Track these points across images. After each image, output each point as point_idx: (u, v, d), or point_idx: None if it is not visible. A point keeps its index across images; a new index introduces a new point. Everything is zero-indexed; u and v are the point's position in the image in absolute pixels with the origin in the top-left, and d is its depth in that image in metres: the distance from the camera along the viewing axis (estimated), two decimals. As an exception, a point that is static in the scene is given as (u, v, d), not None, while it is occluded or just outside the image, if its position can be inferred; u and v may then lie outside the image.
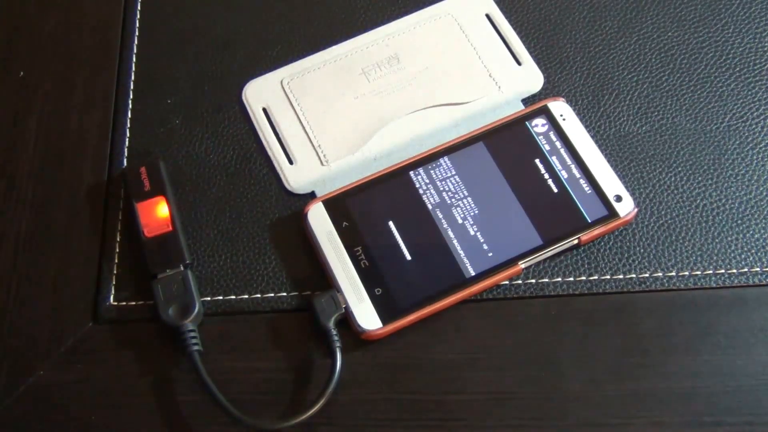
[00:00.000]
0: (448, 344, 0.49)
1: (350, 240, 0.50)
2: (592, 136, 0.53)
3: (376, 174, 0.52)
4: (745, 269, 0.50)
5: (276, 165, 0.55)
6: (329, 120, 0.56)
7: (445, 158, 0.53)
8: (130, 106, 0.58)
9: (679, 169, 0.53)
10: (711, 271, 0.50)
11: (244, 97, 0.57)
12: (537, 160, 0.52)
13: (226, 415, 0.45)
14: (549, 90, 0.56)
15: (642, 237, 0.51)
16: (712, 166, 0.53)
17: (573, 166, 0.52)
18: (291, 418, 0.45)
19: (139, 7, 0.62)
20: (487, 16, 0.59)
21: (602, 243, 0.51)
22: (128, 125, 0.57)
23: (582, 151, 0.52)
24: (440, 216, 0.51)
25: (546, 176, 0.52)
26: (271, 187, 0.54)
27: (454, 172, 0.52)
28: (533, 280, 0.50)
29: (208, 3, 0.61)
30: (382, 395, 0.48)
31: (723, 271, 0.50)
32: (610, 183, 0.51)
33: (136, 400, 0.48)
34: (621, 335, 0.48)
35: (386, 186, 0.52)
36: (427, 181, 0.52)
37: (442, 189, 0.52)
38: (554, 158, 0.52)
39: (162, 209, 0.52)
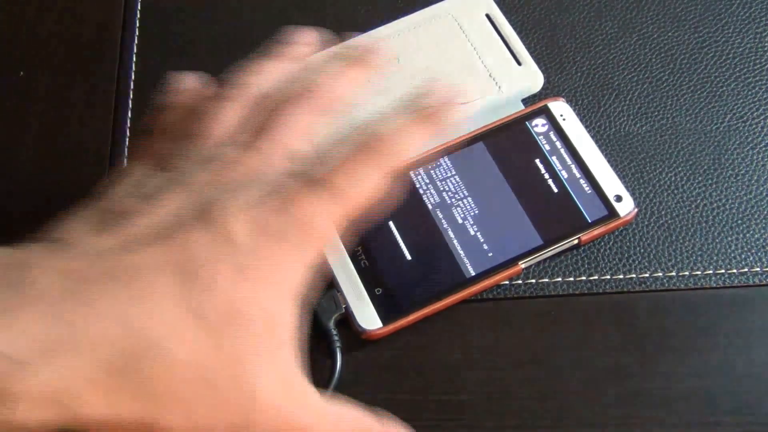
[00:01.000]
0: (448, 344, 0.49)
1: (350, 240, 0.50)
2: (593, 136, 0.53)
3: (376, 174, 0.52)
4: (746, 269, 0.50)
5: (276, 165, 0.55)
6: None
7: (445, 158, 0.53)
8: (131, 105, 0.58)
9: (680, 169, 0.53)
10: (711, 271, 0.50)
11: (244, 97, 0.57)
12: (537, 160, 0.52)
13: (226, 415, 0.45)
14: (549, 90, 0.56)
15: (642, 237, 0.51)
16: (713, 166, 0.53)
17: (573, 166, 0.52)
18: (291, 418, 0.45)
19: (139, 7, 0.62)
20: (487, 16, 0.59)
21: (602, 243, 0.51)
22: (129, 125, 0.57)
23: (582, 151, 0.52)
24: (440, 216, 0.51)
25: (546, 176, 0.52)
26: (271, 187, 0.54)
27: (454, 172, 0.52)
28: (533, 280, 0.50)
29: (208, 3, 0.61)
30: (382, 395, 0.47)
31: (723, 271, 0.50)
32: (610, 183, 0.51)
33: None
34: (621, 335, 0.48)
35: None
36: (427, 181, 0.52)
37: (442, 189, 0.52)
38: (554, 158, 0.52)
39: (162, 209, 0.52)
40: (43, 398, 0.30)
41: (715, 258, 0.50)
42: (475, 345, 0.49)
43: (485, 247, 0.50)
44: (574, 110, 0.54)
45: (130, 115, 0.57)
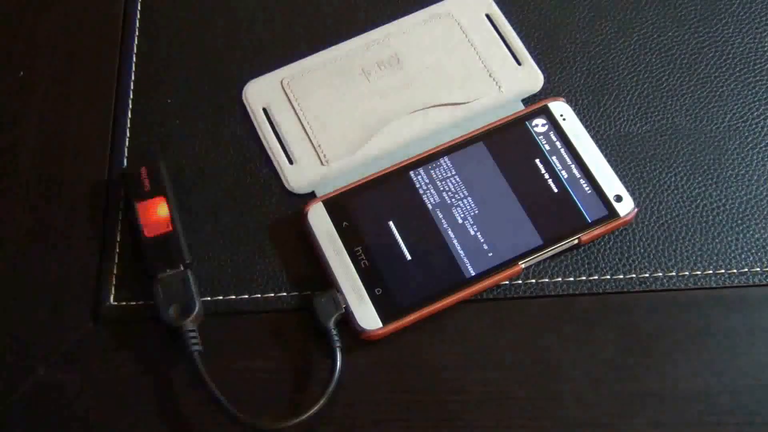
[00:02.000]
0: (448, 344, 0.49)
1: (350, 240, 0.50)
2: (592, 136, 0.53)
3: (376, 174, 0.52)
4: (746, 269, 0.50)
5: (276, 165, 0.55)
6: (329, 120, 0.56)
7: (445, 158, 0.53)
8: (130, 106, 0.58)
9: (680, 169, 0.53)
10: (711, 271, 0.50)
11: (244, 98, 0.57)
12: (537, 160, 0.52)
13: (226, 415, 0.45)
14: (549, 90, 0.56)
15: (642, 237, 0.51)
16: (713, 166, 0.53)
17: (573, 166, 0.52)
18: (291, 418, 0.45)
19: (139, 7, 0.62)
20: (488, 16, 0.59)
21: (602, 243, 0.51)
22: (128, 125, 0.57)
23: (582, 151, 0.52)
24: (440, 216, 0.51)
25: (546, 176, 0.52)
26: (271, 187, 0.54)
27: (454, 172, 0.52)
28: (533, 280, 0.50)
29: (208, 3, 0.61)
30: (382, 395, 0.48)
31: (723, 271, 0.50)
32: (610, 183, 0.51)
33: (136, 400, 0.48)
34: (621, 335, 0.48)
35: (386, 186, 0.52)
36: (428, 181, 0.52)
37: (442, 189, 0.52)
38: (554, 158, 0.52)
39: (162, 209, 0.52)
40: None
41: (715, 258, 0.50)
42: (476, 345, 0.49)
43: (485, 247, 0.50)
44: (574, 110, 0.54)
45: (129, 115, 0.57)
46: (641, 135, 0.54)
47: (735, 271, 0.50)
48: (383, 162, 0.54)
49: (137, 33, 0.60)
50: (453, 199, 0.51)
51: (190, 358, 0.47)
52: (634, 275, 0.50)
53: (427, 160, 0.53)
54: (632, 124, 0.55)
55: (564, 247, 0.50)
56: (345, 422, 0.47)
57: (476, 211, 0.51)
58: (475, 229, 0.50)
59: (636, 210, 0.51)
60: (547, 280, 0.50)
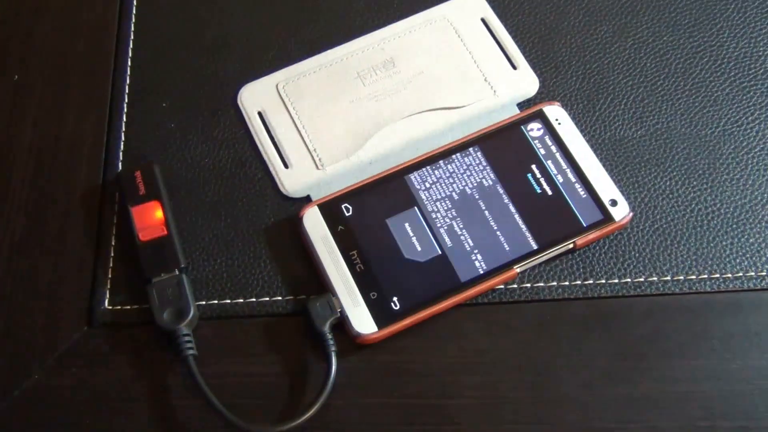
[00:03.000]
0: (443, 348, 0.49)
1: (345, 244, 0.50)
2: (588, 141, 0.53)
3: (371, 178, 0.52)
4: (740, 274, 0.50)
5: (271, 169, 0.55)
6: (325, 124, 0.56)
7: (441, 162, 0.53)
8: (125, 110, 0.57)
9: (674, 173, 0.53)
10: (706, 276, 0.50)
11: (239, 101, 0.57)
12: (532, 164, 0.52)
13: (221, 419, 0.45)
14: (544, 94, 0.56)
15: (637, 241, 0.51)
16: (707, 170, 0.53)
17: (568, 171, 0.52)
18: (286, 423, 0.45)
19: (134, 11, 0.61)
20: (483, 20, 0.59)
21: (597, 247, 0.51)
22: (123, 129, 0.57)
23: (577, 155, 0.52)
24: (435, 220, 0.51)
25: (541, 180, 0.52)
26: (267, 191, 0.54)
27: (449, 176, 0.52)
28: (528, 285, 0.50)
29: (203, 7, 0.61)
30: (378, 399, 0.47)
31: (718, 275, 0.50)
32: (606, 187, 0.51)
33: (131, 404, 0.48)
34: (616, 339, 0.48)
35: (382, 190, 0.52)
36: (423, 185, 0.52)
37: (437, 193, 0.52)
38: (549, 162, 0.52)
39: (157, 213, 0.52)
40: None
41: (709, 262, 0.50)
42: (471, 349, 0.49)
43: (480, 251, 0.50)
44: (570, 114, 0.54)
45: (125, 119, 0.57)
46: (636, 139, 0.55)
47: (729, 275, 0.50)
48: (378, 166, 0.54)
49: (132, 37, 0.60)
50: (448, 203, 0.51)
51: (184, 362, 0.47)
52: (629, 279, 0.50)
53: (423, 164, 0.53)
54: (627, 128, 0.55)
55: (559, 251, 0.50)
56: (340, 426, 0.47)
57: (471, 215, 0.51)
58: (470, 233, 0.50)
59: (631, 214, 0.51)
60: (542, 284, 0.50)
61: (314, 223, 0.51)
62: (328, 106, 0.56)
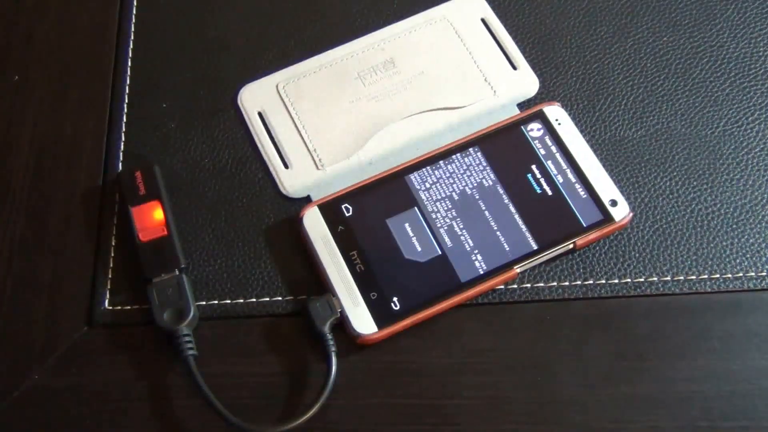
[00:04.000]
0: (443, 349, 0.49)
1: (346, 244, 0.50)
2: (588, 141, 0.53)
3: (371, 178, 0.52)
4: (740, 274, 0.50)
5: (271, 169, 0.55)
6: (325, 124, 0.56)
7: (441, 162, 0.53)
8: (125, 110, 0.57)
9: (675, 173, 0.53)
10: (706, 276, 0.50)
11: (239, 101, 0.57)
12: (532, 165, 0.52)
13: (221, 419, 0.45)
14: (544, 94, 0.56)
15: (637, 241, 0.51)
16: (707, 170, 0.53)
17: (568, 171, 0.52)
18: (286, 423, 0.45)
19: (134, 11, 0.62)
20: (483, 20, 0.59)
21: (597, 247, 0.51)
22: (123, 129, 0.57)
23: (577, 155, 0.52)
24: (435, 220, 0.51)
25: (541, 180, 0.52)
26: (267, 191, 0.54)
27: (449, 177, 0.52)
28: (528, 285, 0.50)
29: (203, 7, 0.61)
30: (378, 400, 0.47)
31: (718, 275, 0.50)
32: (606, 187, 0.51)
33: (131, 404, 0.48)
34: (616, 340, 0.48)
35: (382, 190, 0.52)
36: (423, 185, 0.52)
37: (437, 193, 0.52)
38: (549, 162, 0.52)
39: (157, 213, 0.52)
40: None
41: (710, 262, 0.50)
42: (471, 349, 0.49)
43: (480, 251, 0.50)
44: (570, 115, 0.54)
45: (125, 120, 0.57)
46: (636, 139, 0.55)
47: (729, 275, 0.50)
48: (378, 166, 0.54)
49: (132, 37, 0.60)
50: (448, 204, 0.51)
51: (184, 363, 0.47)
52: (629, 280, 0.50)
53: (423, 164, 0.53)
54: (627, 128, 0.55)
55: (559, 251, 0.50)
56: (340, 427, 0.47)
57: (471, 216, 0.51)
58: (471, 233, 0.50)
59: (631, 214, 0.51)
60: (542, 284, 0.50)
61: (314, 224, 0.51)
62: (329, 107, 0.56)
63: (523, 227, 0.50)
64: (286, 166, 0.55)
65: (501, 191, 0.52)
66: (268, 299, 0.51)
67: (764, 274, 0.50)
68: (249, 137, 0.56)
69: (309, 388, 0.48)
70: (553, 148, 0.53)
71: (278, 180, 0.54)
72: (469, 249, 0.50)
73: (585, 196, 0.51)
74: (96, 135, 0.57)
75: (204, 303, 0.51)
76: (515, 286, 0.50)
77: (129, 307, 0.51)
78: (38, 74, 0.59)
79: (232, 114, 0.57)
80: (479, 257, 0.49)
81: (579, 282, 0.50)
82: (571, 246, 0.50)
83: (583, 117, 0.56)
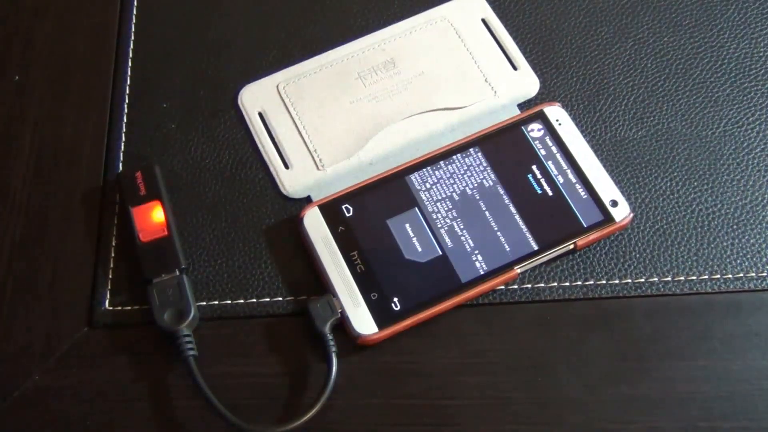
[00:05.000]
0: (443, 349, 0.49)
1: (346, 244, 0.50)
2: (588, 141, 0.53)
3: (372, 178, 0.52)
4: (741, 274, 0.50)
5: (272, 169, 0.55)
6: (325, 124, 0.56)
7: (441, 163, 0.53)
8: (126, 110, 0.57)
9: (675, 174, 0.53)
10: (706, 276, 0.50)
11: (239, 102, 0.57)
12: (533, 165, 0.52)
13: (221, 420, 0.45)
14: (545, 95, 0.56)
15: (638, 242, 0.51)
16: (708, 171, 0.53)
17: (569, 171, 0.52)
18: (286, 423, 0.45)
19: (134, 12, 0.61)
20: (483, 20, 0.59)
21: (598, 248, 0.51)
22: (124, 130, 0.57)
23: (578, 155, 0.52)
24: (436, 220, 0.51)
25: (542, 181, 0.52)
26: (267, 191, 0.54)
27: (449, 177, 0.52)
28: (529, 285, 0.50)
29: (203, 8, 0.61)
30: (378, 400, 0.47)
31: (718, 276, 0.50)
32: (606, 188, 0.51)
33: (132, 405, 0.48)
34: (616, 340, 0.48)
35: (382, 190, 0.52)
36: (423, 185, 0.52)
37: (437, 193, 0.52)
38: (550, 163, 0.52)
39: (157, 214, 0.52)
40: None
41: (710, 263, 0.50)
42: (471, 350, 0.49)
43: (481, 251, 0.50)
44: (570, 115, 0.54)
45: (125, 120, 0.57)
46: (637, 140, 0.55)
47: (730, 276, 0.50)
48: (379, 167, 0.54)
49: (133, 38, 0.60)
50: (449, 204, 0.51)
51: (185, 363, 0.47)
52: (629, 280, 0.50)
53: (423, 164, 0.53)
54: (628, 129, 0.55)
55: (560, 252, 0.50)
56: (340, 427, 0.47)
57: (472, 216, 0.51)
58: (471, 233, 0.50)
59: (632, 215, 0.51)
60: (542, 285, 0.50)
61: (315, 224, 0.51)
62: (329, 107, 0.56)
63: (524, 227, 0.50)
64: (286, 166, 0.55)
65: (501, 191, 0.51)
66: (268, 300, 0.51)
67: (765, 274, 0.50)
68: (249, 137, 0.56)
69: (309, 389, 0.48)
70: (554, 149, 0.53)
71: (279, 180, 0.54)
72: (469, 249, 0.50)
73: (585, 196, 0.51)
74: (96, 135, 0.57)
75: (204, 303, 0.51)
76: (516, 286, 0.50)
77: (129, 308, 0.51)
78: (38, 74, 0.59)
79: (232, 114, 0.57)
80: (480, 257, 0.49)
81: (579, 282, 0.50)
82: (572, 246, 0.50)
83: (584, 117, 0.56)
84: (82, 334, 0.50)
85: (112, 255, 0.52)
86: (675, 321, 0.49)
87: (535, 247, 0.50)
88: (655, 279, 0.50)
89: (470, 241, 0.50)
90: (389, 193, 0.52)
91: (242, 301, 0.51)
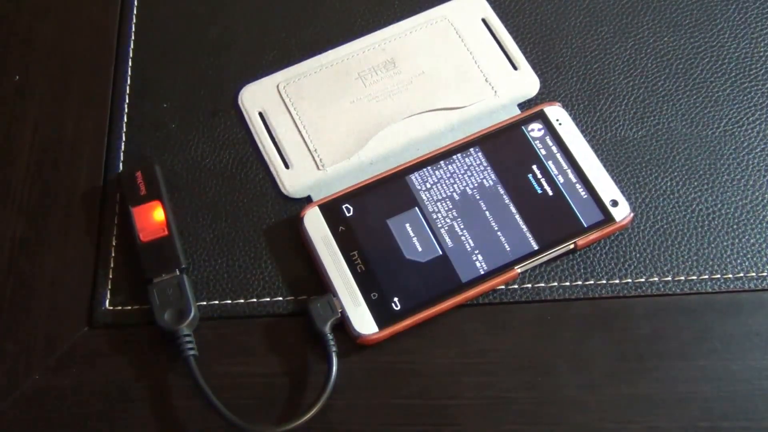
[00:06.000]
0: (444, 349, 0.49)
1: (346, 244, 0.50)
2: (588, 141, 0.53)
3: (372, 178, 0.52)
4: (741, 274, 0.50)
5: (272, 169, 0.55)
6: (325, 124, 0.56)
7: (441, 163, 0.53)
8: (126, 110, 0.57)
9: (675, 173, 0.53)
10: (706, 276, 0.50)
11: (240, 102, 0.57)
12: (533, 165, 0.52)
13: (221, 420, 0.45)
14: (545, 94, 0.56)
15: (638, 242, 0.51)
16: (708, 170, 0.53)
17: (569, 171, 0.52)
18: (287, 423, 0.45)
19: (135, 12, 0.61)
20: (483, 20, 0.59)
21: (598, 248, 0.51)
22: (124, 129, 0.57)
23: (578, 155, 0.52)
24: (436, 220, 0.51)
25: (542, 181, 0.52)
26: (267, 191, 0.54)
27: (450, 177, 0.52)
28: (529, 285, 0.50)
29: (203, 8, 0.61)
30: (378, 400, 0.47)
31: (718, 275, 0.50)
32: (606, 188, 0.51)
33: (132, 405, 0.48)
34: (617, 340, 0.48)
35: (382, 190, 0.52)
36: (424, 185, 0.52)
37: (438, 193, 0.52)
38: (550, 163, 0.52)
39: (158, 213, 0.52)
40: None
41: (710, 263, 0.50)
42: (471, 349, 0.49)
43: (481, 251, 0.50)
44: (570, 115, 0.54)
45: (125, 120, 0.57)
46: (637, 140, 0.55)
47: (730, 275, 0.50)
48: (379, 166, 0.54)
49: (133, 37, 0.60)
50: (449, 204, 0.51)
51: (185, 363, 0.47)
52: (629, 280, 0.50)
53: (423, 164, 0.53)
54: (628, 128, 0.55)
55: (560, 251, 0.50)
56: (340, 427, 0.47)
57: (472, 216, 0.51)
58: (471, 233, 0.50)
59: (632, 215, 0.51)
60: (543, 284, 0.50)
61: (315, 224, 0.51)
62: (329, 107, 0.56)
63: (524, 227, 0.50)
64: (286, 166, 0.55)
65: (502, 191, 0.51)
66: (268, 299, 0.51)
67: (765, 274, 0.50)
68: (250, 137, 0.56)
69: (309, 389, 0.48)
70: (554, 149, 0.53)
71: (279, 180, 0.54)
72: (469, 249, 0.50)
73: (586, 196, 0.51)
74: (96, 135, 0.57)
75: (204, 303, 0.51)
76: (516, 286, 0.50)
77: (129, 308, 0.51)
78: (39, 74, 0.59)
79: (232, 114, 0.57)
80: (480, 257, 0.49)
81: (580, 282, 0.50)
82: (572, 246, 0.50)
83: (584, 117, 0.56)
84: (82, 334, 0.50)
85: (113, 255, 0.52)
86: (675, 321, 0.49)
87: (536, 247, 0.50)
88: (656, 279, 0.50)
89: (470, 241, 0.50)
90: (389, 192, 0.52)
91: (242, 300, 0.51)
